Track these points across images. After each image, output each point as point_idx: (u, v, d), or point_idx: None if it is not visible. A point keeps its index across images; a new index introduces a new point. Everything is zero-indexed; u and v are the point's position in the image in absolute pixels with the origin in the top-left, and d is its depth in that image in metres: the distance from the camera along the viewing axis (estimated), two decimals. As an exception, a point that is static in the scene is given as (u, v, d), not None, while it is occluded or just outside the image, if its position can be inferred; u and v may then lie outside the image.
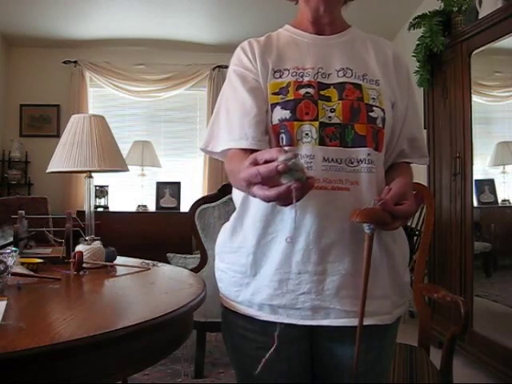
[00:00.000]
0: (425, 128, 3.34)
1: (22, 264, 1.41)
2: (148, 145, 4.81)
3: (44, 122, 4.97)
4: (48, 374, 0.78)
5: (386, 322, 1.02)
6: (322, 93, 1.02)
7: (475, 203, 2.85)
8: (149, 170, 4.88)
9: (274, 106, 1.02)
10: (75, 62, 4.94)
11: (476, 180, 2.84)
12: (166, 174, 5.02)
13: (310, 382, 1.08)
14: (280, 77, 1.05)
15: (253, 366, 1.03)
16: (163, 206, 4.79)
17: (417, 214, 3.50)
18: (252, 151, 0.92)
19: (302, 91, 1.01)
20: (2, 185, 4.79)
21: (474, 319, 2.68)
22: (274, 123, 1.01)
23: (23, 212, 1.76)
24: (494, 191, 3.00)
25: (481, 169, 2.99)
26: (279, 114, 1.01)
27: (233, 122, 1.04)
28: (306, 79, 1.03)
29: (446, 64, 3.07)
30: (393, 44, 1.16)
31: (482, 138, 3.01)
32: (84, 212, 1.87)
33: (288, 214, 0.97)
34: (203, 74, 5.09)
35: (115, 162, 1.90)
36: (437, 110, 3.19)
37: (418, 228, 3.53)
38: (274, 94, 1.03)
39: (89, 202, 1.86)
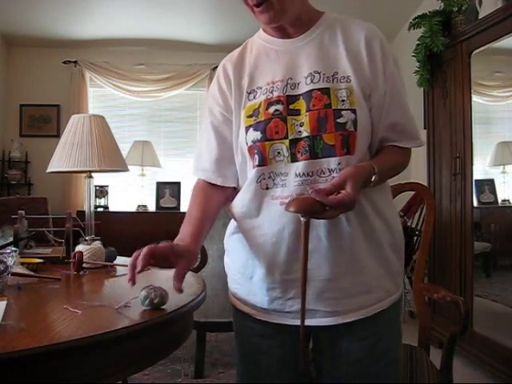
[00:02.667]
0: (425, 128, 3.34)
1: (22, 264, 1.41)
2: (148, 145, 4.80)
3: (44, 122, 4.97)
4: (48, 373, 0.78)
5: (368, 315, 1.03)
6: (291, 107, 1.03)
7: (475, 203, 2.85)
8: (149, 169, 4.88)
9: (248, 128, 1.06)
10: (75, 61, 4.93)
11: (476, 180, 2.84)
12: (166, 174, 5.02)
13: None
14: (254, 97, 1.08)
15: (251, 352, 1.14)
16: (163, 206, 4.79)
17: (417, 214, 3.50)
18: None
19: (272, 109, 1.04)
20: (1, 185, 4.78)
21: (474, 319, 2.68)
22: (248, 145, 1.06)
23: (23, 212, 1.76)
24: (494, 191, 3.00)
25: (481, 169, 2.99)
26: (252, 135, 1.05)
27: (201, 153, 1.17)
28: (275, 94, 1.05)
29: (446, 64, 3.07)
30: (367, 26, 1.09)
31: (482, 138, 3.01)
32: (84, 212, 1.88)
33: (267, 227, 1.04)
34: (203, 74, 5.09)
35: (115, 162, 1.90)
36: (437, 110, 3.19)
37: (418, 228, 3.53)
38: (248, 116, 1.07)
39: (89, 202, 1.86)
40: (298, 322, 1.03)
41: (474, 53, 2.80)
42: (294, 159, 1.01)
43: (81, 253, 1.51)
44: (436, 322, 2.91)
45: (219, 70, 1.16)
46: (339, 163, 0.99)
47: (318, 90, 1.02)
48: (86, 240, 1.70)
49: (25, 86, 4.93)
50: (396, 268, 1.10)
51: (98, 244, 1.66)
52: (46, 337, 0.80)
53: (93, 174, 1.89)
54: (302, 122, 1.01)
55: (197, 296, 1.14)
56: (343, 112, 1.00)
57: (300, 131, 1.01)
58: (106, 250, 1.68)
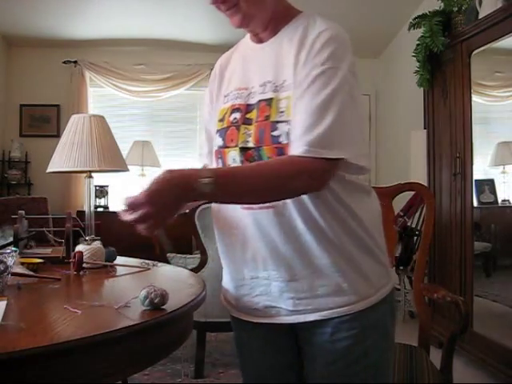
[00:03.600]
0: (425, 128, 3.34)
1: (22, 264, 1.41)
2: (148, 145, 4.81)
3: (44, 122, 4.97)
4: (48, 373, 0.78)
5: (331, 316, 1.02)
6: (247, 116, 1.04)
7: (475, 203, 2.85)
8: (149, 169, 4.88)
9: (216, 132, 1.10)
10: (75, 61, 4.93)
11: (476, 180, 2.84)
12: (166, 174, 5.01)
13: (291, 360, 1.15)
14: (227, 101, 1.11)
15: (239, 343, 1.20)
16: (163, 206, 4.78)
17: (417, 214, 3.51)
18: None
19: (232, 117, 1.07)
20: (1, 185, 4.78)
21: (474, 319, 2.68)
22: (215, 149, 1.10)
23: (23, 212, 1.76)
24: (494, 191, 3.00)
25: (481, 169, 2.99)
26: (217, 141, 1.09)
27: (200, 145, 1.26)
28: (238, 102, 1.07)
29: (445, 64, 3.07)
30: (324, 26, 0.99)
31: (482, 138, 3.01)
32: (84, 212, 1.88)
33: (235, 227, 1.07)
34: (203, 74, 5.09)
35: (115, 162, 1.90)
36: (437, 110, 3.20)
37: (418, 228, 3.53)
38: (219, 120, 1.10)
39: (89, 202, 1.86)
40: (261, 320, 1.08)
41: (474, 53, 2.80)
42: None
43: (81, 253, 1.50)
44: (436, 322, 2.91)
45: (212, 71, 1.21)
46: None
47: (265, 100, 1.02)
48: (86, 240, 1.69)
49: (25, 86, 4.93)
50: (372, 270, 1.04)
51: (98, 244, 1.66)
52: (45, 337, 0.80)
53: (93, 174, 1.89)
54: (251, 133, 1.02)
55: (197, 296, 1.14)
56: (278, 125, 0.98)
57: (248, 141, 1.02)
58: (106, 250, 1.68)
